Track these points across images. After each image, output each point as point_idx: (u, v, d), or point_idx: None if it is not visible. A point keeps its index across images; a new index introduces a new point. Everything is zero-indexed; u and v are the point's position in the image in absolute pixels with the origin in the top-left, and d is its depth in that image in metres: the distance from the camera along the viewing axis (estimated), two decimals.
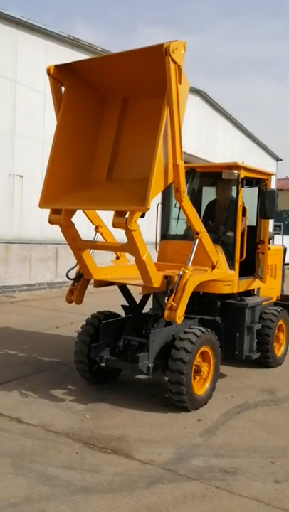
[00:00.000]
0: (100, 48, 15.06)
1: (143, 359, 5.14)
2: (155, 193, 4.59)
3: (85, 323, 5.93)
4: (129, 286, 5.95)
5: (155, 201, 6.74)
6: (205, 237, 5.33)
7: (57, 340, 8.09)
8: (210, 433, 4.75)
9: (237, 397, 5.75)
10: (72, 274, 5.81)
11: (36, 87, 13.44)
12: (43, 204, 5.08)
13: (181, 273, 5.00)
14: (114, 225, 4.60)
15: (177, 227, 6.77)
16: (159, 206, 6.80)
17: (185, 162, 5.05)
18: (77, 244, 5.34)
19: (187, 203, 4.98)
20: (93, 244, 5.48)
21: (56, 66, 5.14)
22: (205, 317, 5.98)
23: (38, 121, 13.58)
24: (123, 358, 5.48)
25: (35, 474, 3.84)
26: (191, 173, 6.45)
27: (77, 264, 5.67)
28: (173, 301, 4.92)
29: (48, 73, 5.13)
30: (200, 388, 5.38)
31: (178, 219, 6.72)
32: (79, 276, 5.74)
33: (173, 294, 4.95)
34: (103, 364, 5.63)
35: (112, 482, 3.78)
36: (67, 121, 5.19)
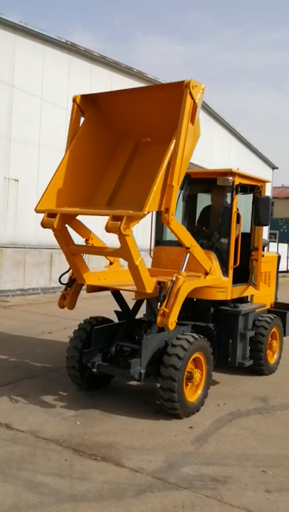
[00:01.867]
0: (97, 53, 15.11)
1: (135, 365, 5.09)
2: (153, 204, 4.60)
3: (77, 328, 5.88)
4: (122, 292, 5.91)
5: None
6: (196, 250, 5.29)
7: (49, 345, 8.02)
8: (201, 441, 4.70)
9: (229, 404, 5.70)
10: (65, 279, 5.77)
11: (33, 91, 13.46)
12: (40, 208, 5.06)
13: (174, 279, 4.97)
14: (108, 229, 4.56)
15: (172, 233, 6.73)
16: (154, 212, 6.78)
17: None
18: (70, 249, 5.30)
19: (175, 223, 4.90)
20: (86, 249, 5.44)
21: (82, 96, 5.47)
22: (198, 323, 5.94)
23: (35, 125, 13.59)
24: (115, 364, 5.43)
25: (23, 482, 3.77)
26: (186, 179, 6.43)
27: (70, 268, 5.63)
28: (166, 307, 4.89)
29: (74, 101, 5.44)
30: (192, 395, 5.33)
31: None
32: (72, 281, 5.70)
33: (166, 300, 4.91)
34: (95, 370, 5.57)
35: (101, 490, 3.72)
36: (81, 147, 5.42)
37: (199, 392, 5.42)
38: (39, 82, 13.60)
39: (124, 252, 4.77)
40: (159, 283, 5.04)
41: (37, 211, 5.11)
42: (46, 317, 10.44)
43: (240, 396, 6.04)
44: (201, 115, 19.34)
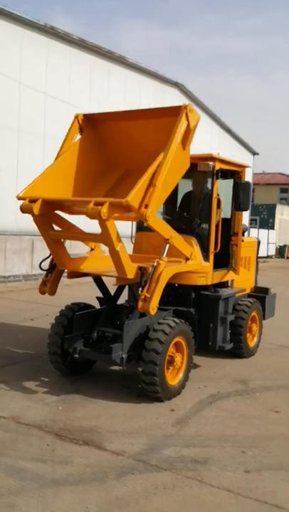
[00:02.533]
0: (76, 36, 14.86)
1: (117, 350, 5.11)
2: (137, 196, 4.63)
3: (58, 314, 5.86)
4: (104, 278, 5.90)
5: None
6: (176, 240, 5.26)
7: (31, 332, 7.99)
8: (182, 423, 4.76)
9: (210, 387, 5.79)
10: (46, 265, 5.73)
11: (11, 75, 13.19)
12: (22, 195, 5.01)
13: (155, 264, 4.98)
14: (88, 214, 4.54)
15: None
16: None
17: None
18: (50, 235, 5.26)
19: (153, 220, 4.83)
20: (67, 235, 5.40)
21: (84, 115, 5.82)
22: (179, 308, 5.98)
23: (13, 110, 13.34)
24: (97, 349, 5.45)
25: (4, 467, 3.78)
26: None
27: (50, 254, 5.60)
28: (147, 292, 4.90)
29: (76, 118, 5.78)
30: (173, 378, 5.39)
31: None
32: (52, 267, 5.66)
33: (147, 286, 4.93)
34: (77, 355, 5.58)
35: (83, 474, 3.75)
36: (71, 160, 5.58)
37: (180, 375, 5.48)
38: (17, 66, 13.33)
39: (105, 237, 4.75)
40: (140, 268, 5.05)
41: (18, 198, 5.05)
42: (28, 304, 10.38)
43: (220, 378, 6.12)
44: (183, 100, 19.44)
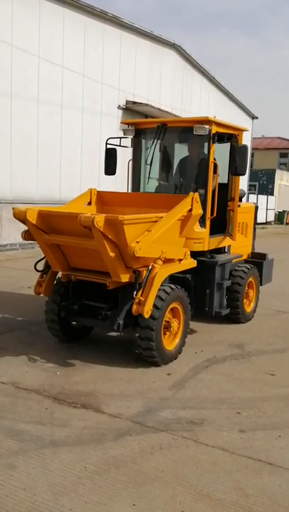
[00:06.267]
0: None
1: (113, 316, 5.14)
2: (135, 226, 4.81)
3: (55, 282, 5.87)
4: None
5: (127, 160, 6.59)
6: (169, 252, 5.22)
7: (29, 299, 8.02)
8: (179, 386, 4.84)
9: (206, 351, 5.86)
10: (41, 266, 5.75)
11: (2, 37, 12.78)
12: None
13: (150, 268, 4.96)
14: (82, 222, 4.53)
15: (148, 185, 6.67)
16: (130, 163, 6.68)
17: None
18: (43, 239, 5.24)
19: (141, 253, 4.76)
20: (60, 240, 5.29)
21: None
22: (175, 275, 5.97)
23: (5, 74, 12.98)
24: (94, 315, 5.47)
25: (4, 430, 3.85)
26: (162, 128, 6.30)
27: (44, 256, 5.60)
28: (141, 295, 4.90)
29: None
30: (170, 343, 5.44)
31: (148, 177, 6.61)
32: (47, 268, 5.67)
33: (142, 289, 4.92)
34: (74, 322, 5.61)
35: (81, 435, 3.83)
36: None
37: (177, 340, 5.53)
38: (8, 28, 12.90)
39: (99, 244, 4.71)
40: (134, 271, 5.03)
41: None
42: (25, 272, 10.38)
43: (217, 343, 6.19)
44: (180, 63, 18.94)
